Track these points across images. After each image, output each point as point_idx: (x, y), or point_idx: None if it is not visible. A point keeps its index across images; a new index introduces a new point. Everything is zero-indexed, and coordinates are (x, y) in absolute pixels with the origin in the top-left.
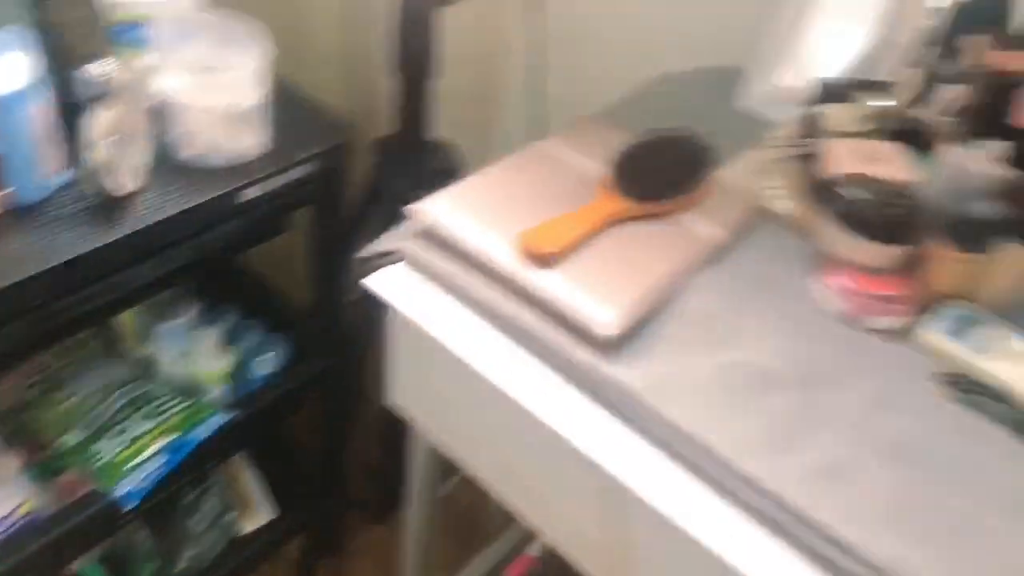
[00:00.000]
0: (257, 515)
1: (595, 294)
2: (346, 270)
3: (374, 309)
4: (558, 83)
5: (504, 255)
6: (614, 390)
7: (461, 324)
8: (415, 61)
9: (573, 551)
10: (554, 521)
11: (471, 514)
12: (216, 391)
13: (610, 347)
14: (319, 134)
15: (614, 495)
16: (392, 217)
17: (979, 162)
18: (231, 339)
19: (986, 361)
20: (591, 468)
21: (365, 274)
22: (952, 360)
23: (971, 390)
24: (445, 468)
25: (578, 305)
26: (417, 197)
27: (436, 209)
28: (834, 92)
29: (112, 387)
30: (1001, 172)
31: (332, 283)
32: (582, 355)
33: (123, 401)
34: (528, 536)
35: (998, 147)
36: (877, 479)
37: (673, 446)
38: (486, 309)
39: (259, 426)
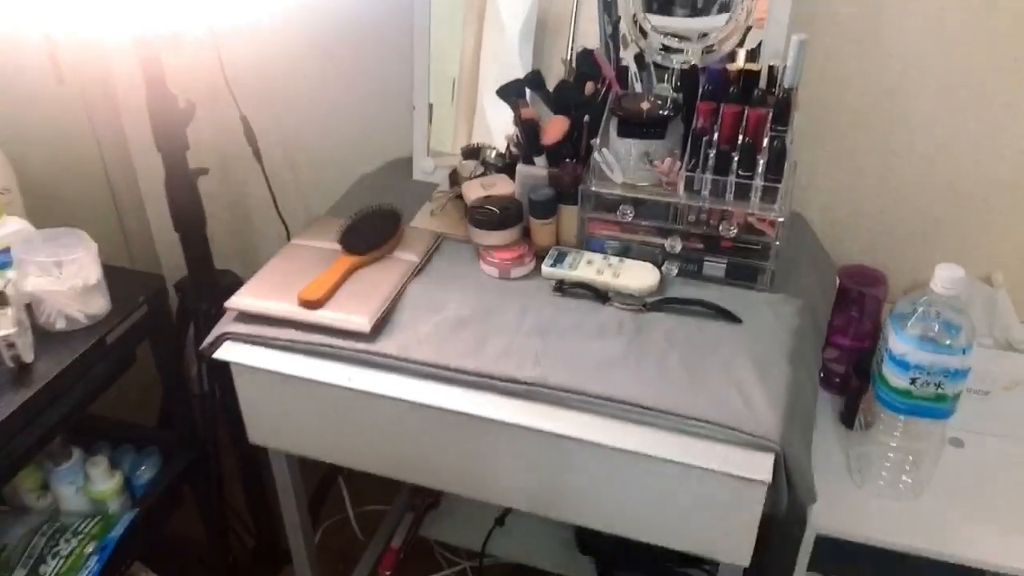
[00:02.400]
0: None
1: (351, 311)
2: (182, 375)
3: (217, 397)
4: (292, 201)
5: (292, 310)
6: (382, 357)
7: (282, 359)
8: (189, 219)
9: (417, 477)
10: (393, 460)
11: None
12: (115, 504)
13: (369, 336)
14: (141, 287)
15: (415, 416)
16: (201, 332)
17: (534, 169)
18: (112, 463)
19: (572, 271)
20: (393, 405)
21: (207, 358)
22: (557, 276)
23: (569, 289)
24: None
25: (343, 320)
26: (214, 313)
27: (242, 300)
28: (468, 153)
29: (32, 532)
30: (545, 171)
31: (176, 390)
32: (357, 346)
33: (46, 538)
34: (389, 535)
35: (541, 159)
36: (533, 345)
37: (424, 372)
38: (292, 343)
39: (154, 521)
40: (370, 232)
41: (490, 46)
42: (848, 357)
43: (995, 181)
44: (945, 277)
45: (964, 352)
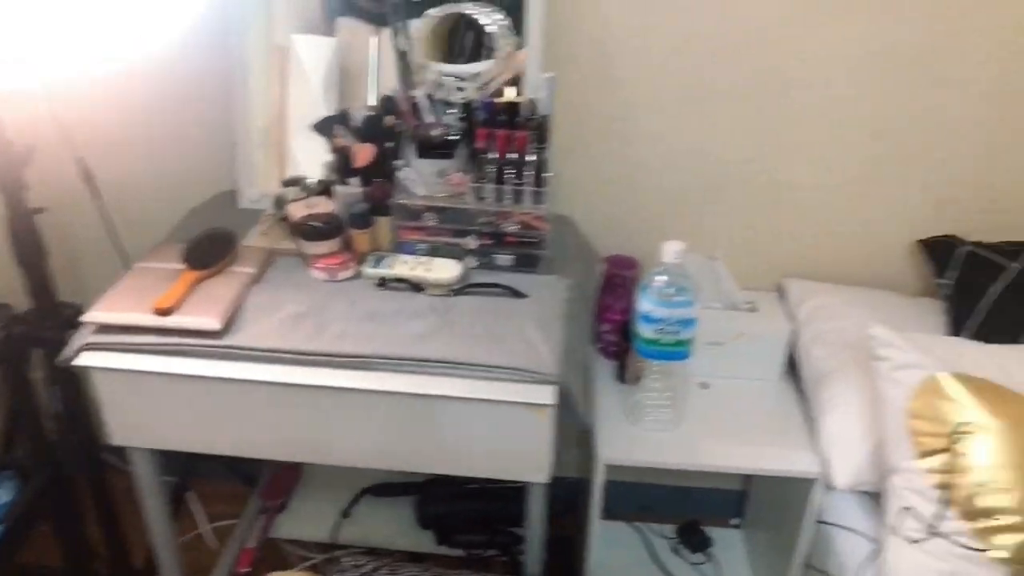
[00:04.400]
0: None
1: (202, 314)
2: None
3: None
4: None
5: (148, 317)
6: (235, 350)
7: (142, 360)
8: (29, 254)
9: (276, 453)
10: (253, 441)
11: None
12: None
13: (220, 333)
14: None
15: (268, 397)
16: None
17: (350, 188)
18: None
19: (390, 270)
20: (249, 389)
21: (67, 364)
22: (378, 274)
23: (389, 284)
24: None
25: (197, 322)
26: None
27: (99, 314)
28: (289, 182)
29: None
30: (360, 189)
31: (26, 415)
32: (210, 343)
33: None
34: (242, 540)
35: (355, 180)
36: (363, 328)
37: (273, 358)
38: (152, 346)
39: (14, 540)
40: (209, 250)
41: (295, 95)
42: (617, 328)
43: (710, 184)
44: (670, 250)
45: (691, 305)
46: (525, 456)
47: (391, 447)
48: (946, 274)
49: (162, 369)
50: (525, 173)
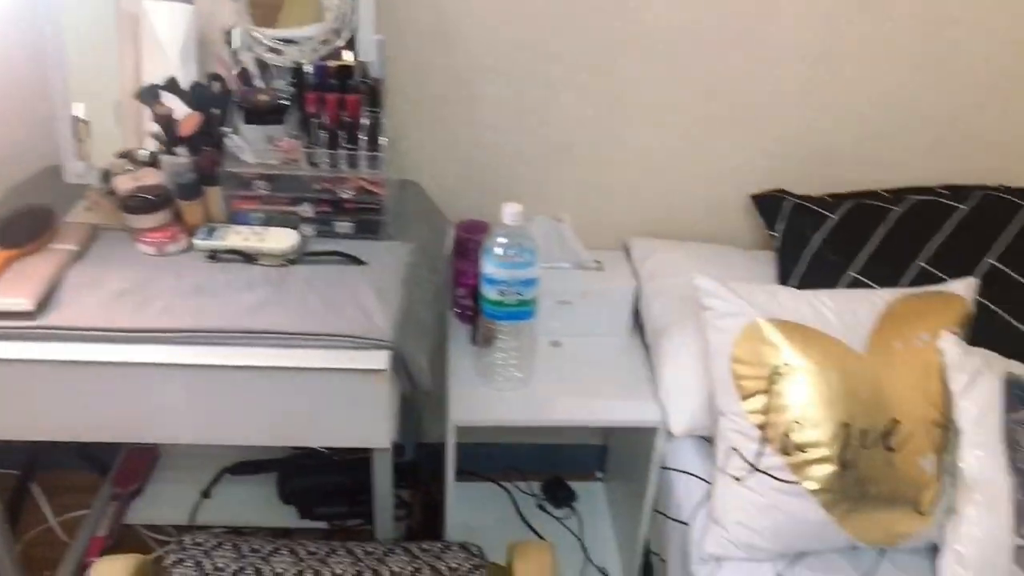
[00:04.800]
0: None
1: (13, 295)
2: None
3: None
4: None
5: None
6: (50, 331)
7: None
8: None
9: (102, 434)
10: (77, 424)
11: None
12: None
13: (34, 314)
14: None
15: (88, 377)
16: None
17: (177, 158)
18: None
19: (222, 242)
20: (67, 370)
21: None
22: (208, 247)
23: (219, 255)
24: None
25: (7, 304)
26: None
27: None
28: (121, 155)
29: None
30: (187, 159)
31: None
32: (24, 324)
33: None
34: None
35: (182, 149)
36: (190, 302)
37: (91, 337)
38: None
39: None
40: (25, 227)
41: (151, 67)
42: (472, 293)
43: (554, 146)
44: (509, 212)
45: (532, 266)
46: (366, 423)
47: (228, 422)
48: (776, 226)
49: None
50: (360, 137)
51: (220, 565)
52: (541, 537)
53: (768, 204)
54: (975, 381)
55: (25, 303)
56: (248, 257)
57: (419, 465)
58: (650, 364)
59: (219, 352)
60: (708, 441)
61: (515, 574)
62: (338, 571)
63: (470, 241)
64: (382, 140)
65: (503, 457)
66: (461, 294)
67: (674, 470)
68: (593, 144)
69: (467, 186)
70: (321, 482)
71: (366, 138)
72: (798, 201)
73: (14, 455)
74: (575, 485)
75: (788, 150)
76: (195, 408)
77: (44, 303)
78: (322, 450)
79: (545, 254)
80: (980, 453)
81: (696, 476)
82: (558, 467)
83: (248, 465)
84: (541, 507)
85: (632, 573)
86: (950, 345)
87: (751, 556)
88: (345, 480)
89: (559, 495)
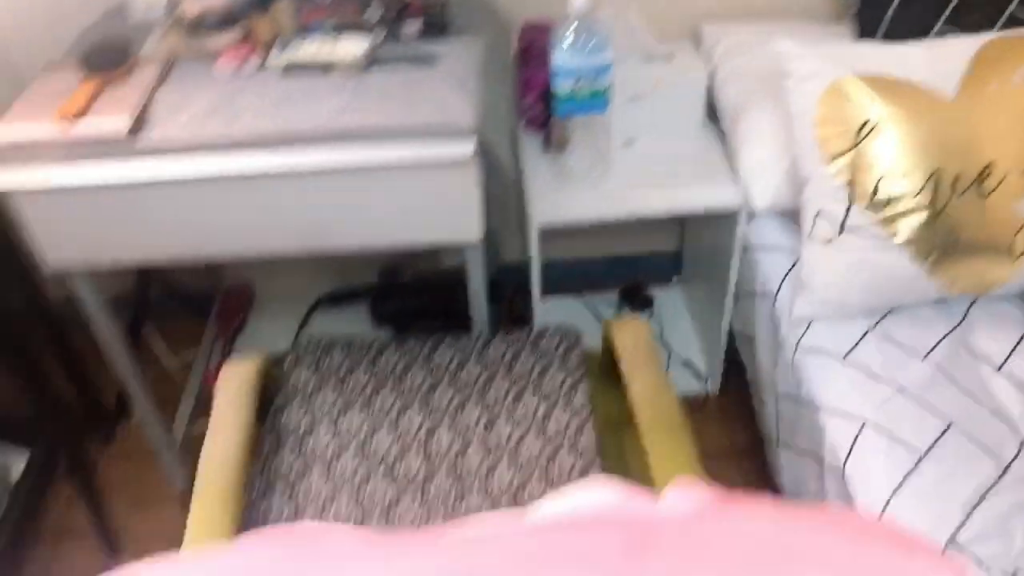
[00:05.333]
0: None
1: (109, 117)
2: None
3: None
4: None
5: (54, 128)
6: (149, 149)
7: (58, 173)
8: None
9: (204, 251)
10: (181, 243)
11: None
12: None
13: (131, 135)
14: None
15: (191, 193)
16: None
17: None
18: None
19: (296, 53)
20: (171, 188)
21: None
22: (284, 61)
23: (294, 69)
24: None
25: (104, 124)
26: None
27: (1, 133)
28: None
29: None
30: None
31: None
32: (122, 144)
33: None
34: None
35: None
36: (277, 112)
37: (191, 149)
38: (65, 155)
39: None
40: (108, 56)
41: None
42: (540, 98)
43: None
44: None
45: (604, 52)
46: (455, 215)
47: (324, 228)
48: None
49: (76, 178)
50: None
51: (335, 364)
52: None
53: None
54: None
55: (123, 123)
56: (323, 67)
57: (502, 284)
58: (727, 152)
59: (311, 155)
60: (791, 217)
61: (614, 345)
62: (444, 360)
63: (533, 47)
64: None
65: (581, 272)
66: (528, 103)
67: (758, 248)
68: None
69: None
70: (413, 303)
71: None
72: None
73: (121, 307)
74: (651, 291)
75: None
76: (291, 216)
77: (138, 125)
78: (408, 277)
79: (614, 48)
80: None
81: (781, 250)
82: (635, 276)
83: (341, 294)
84: (619, 313)
85: (716, 361)
86: None
87: (841, 314)
88: (435, 300)
89: (636, 300)
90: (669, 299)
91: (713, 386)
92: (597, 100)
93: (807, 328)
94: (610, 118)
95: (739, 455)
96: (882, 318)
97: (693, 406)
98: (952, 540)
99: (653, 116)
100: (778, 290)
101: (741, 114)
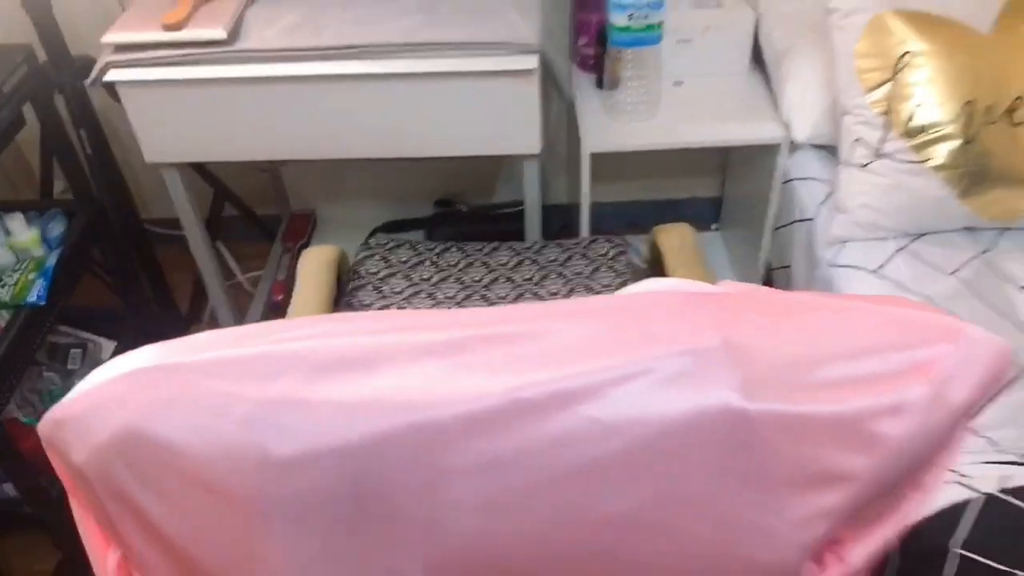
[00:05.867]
0: None
1: (208, 26)
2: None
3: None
4: None
5: (161, 34)
6: (243, 53)
7: (163, 72)
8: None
9: (289, 152)
10: (267, 143)
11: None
12: (38, 251)
13: (228, 41)
14: (14, 54)
15: (280, 95)
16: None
17: None
18: None
19: None
20: (262, 88)
21: (95, 84)
22: None
23: None
24: None
25: (205, 33)
26: (78, 85)
27: (116, 35)
28: None
29: None
30: None
31: (62, 154)
32: (220, 50)
33: None
34: (273, 276)
35: None
36: (359, 30)
37: (280, 57)
38: (169, 57)
39: (72, 269)
40: None
41: None
42: (594, 40)
43: None
44: None
45: None
46: (517, 127)
47: (394, 133)
48: None
49: (179, 77)
50: None
51: (403, 259)
52: None
53: None
54: None
55: (220, 32)
56: None
57: (549, 223)
58: (771, 92)
59: (387, 63)
60: (829, 151)
61: (661, 248)
62: (502, 260)
63: None
64: None
65: (623, 215)
66: (583, 43)
67: (797, 180)
68: None
69: None
70: (468, 229)
71: None
72: None
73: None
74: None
75: None
76: (366, 120)
77: (233, 33)
78: (464, 207)
79: None
80: None
81: (819, 180)
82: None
83: (398, 224)
84: None
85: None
86: None
87: (874, 235)
88: (489, 227)
89: None
90: (709, 244)
91: None
92: (650, 33)
93: (842, 249)
94: (661, 58)
95: None
96: (913, 241)
97: None
98: (974, 426)
99: (701, 58)
100: (815, 217)
101: (785, 56)
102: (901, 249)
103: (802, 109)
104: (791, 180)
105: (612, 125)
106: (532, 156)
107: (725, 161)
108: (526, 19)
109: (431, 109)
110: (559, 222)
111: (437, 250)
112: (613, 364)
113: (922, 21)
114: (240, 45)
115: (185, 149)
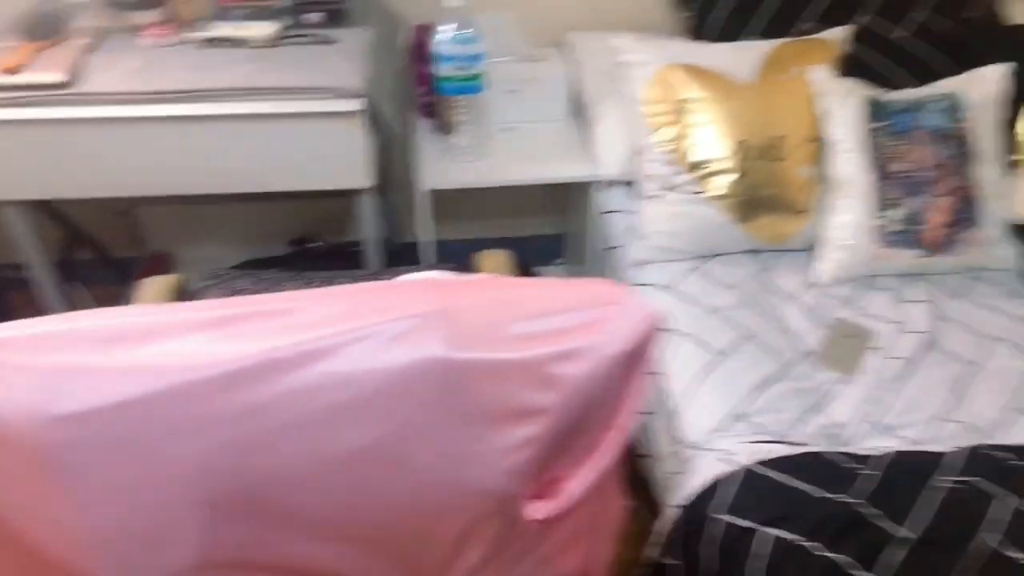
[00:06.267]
0: None
1: (48, 71)
2: None
3: None
4: None
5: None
6: (82, 96)
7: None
8: None
9: (118, 190)
10: (102, 181)
11: None
12: None
13: (67, 85)
14: None
15: (114, 135)
16: None
17: None
18: None
19: (214, 32)
20: (99, 128)
21: None
22: (203, 35)
23: (215, 42)
24: None
25: (43, 76)
26: None
27: None
28: None
29: None
30: None
31: None
32: (60, 93)
33: None
34: None
35: None
36: (196, 74)
37: (118, 100)
38: (9, 99)
39: None
40: (44, 27)
41: None
42: (431, 89)
43: None
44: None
45: (477, 42)
46: (348, 163)
47: (231, 170)
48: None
49: (19, 118)
50: None
51: (243, 287)
52: None
53: None
54: (843, 101)
55: (60, 75)
56: (237, 42)
57: (401, 257)
58: (587, 139)
59: (222, 105)
60: (635, 187)
61: (481, 269)
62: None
63: (424, 46)
64: None
65: (470, 251)
66: (422, 92)
67: (609, 212)
68: None
69: None
70: (322, 265)
71: None
72: None
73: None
74: (539, 270)
75: None
76: (202, 159)
77: (73, 78)
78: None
79: (492, 48)
80: (847, 156)
81: (627, 211)
82: (523, 257)
83: (253, 263)
84: None
85: None
86: (820, 74)
87: (669, 257)
88: (341, 264)
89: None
90: (554, 275)
91: None
92: (473, 83)
93: (643, 269)
94: (490, 105)
95: None
96: (706, 262)
97: None
98: (741, 413)
99: (527, 107)
100: (624, 244)
101: (595, 103)
102: (695, 269)
103: (610, 150)
104: (608, 212)
105: (448, 164)
106: (366, 191)
107: (565, 203)
108: (353, 68)
109: (266, 148)
110: (408, 260)
111: (279, 279)
112: (348, 328)
113: (697, 73)
114: (80, 88)
115: (26, 185)
